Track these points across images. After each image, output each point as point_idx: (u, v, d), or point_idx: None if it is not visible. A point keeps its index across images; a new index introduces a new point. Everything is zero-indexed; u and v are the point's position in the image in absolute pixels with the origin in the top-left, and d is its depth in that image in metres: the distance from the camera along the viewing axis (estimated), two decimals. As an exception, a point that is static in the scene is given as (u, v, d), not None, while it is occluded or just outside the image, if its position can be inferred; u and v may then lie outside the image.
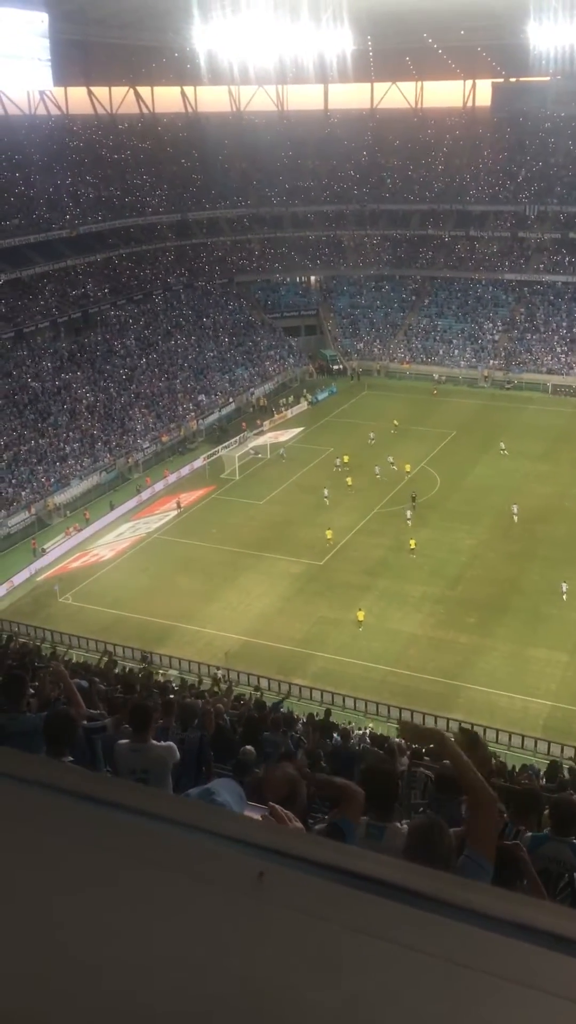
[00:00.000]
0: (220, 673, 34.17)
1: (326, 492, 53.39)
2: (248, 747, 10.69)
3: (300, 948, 1.34)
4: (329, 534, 47.99)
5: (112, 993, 1.33)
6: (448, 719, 32.10)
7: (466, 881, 1.45)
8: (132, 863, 1.51)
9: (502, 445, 59.37)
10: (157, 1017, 1.27)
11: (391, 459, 57.23)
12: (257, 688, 32.43)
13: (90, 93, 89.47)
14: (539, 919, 1.33)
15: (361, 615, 40.51)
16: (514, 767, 20.84)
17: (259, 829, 1.80)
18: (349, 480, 54.73)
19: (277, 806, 3.93)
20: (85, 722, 8.02)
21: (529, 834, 7.18)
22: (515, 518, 48.94)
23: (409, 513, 50.05)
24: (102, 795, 1.64)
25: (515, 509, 49.37)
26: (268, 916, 1.38)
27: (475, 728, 31.24)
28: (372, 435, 62.37)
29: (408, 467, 56.38)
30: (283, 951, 1.34)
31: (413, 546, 46.68)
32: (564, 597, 40.93)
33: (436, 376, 76.36)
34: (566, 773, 19.55)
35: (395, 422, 65.16)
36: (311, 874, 1.44)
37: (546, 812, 9.86)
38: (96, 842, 1.55)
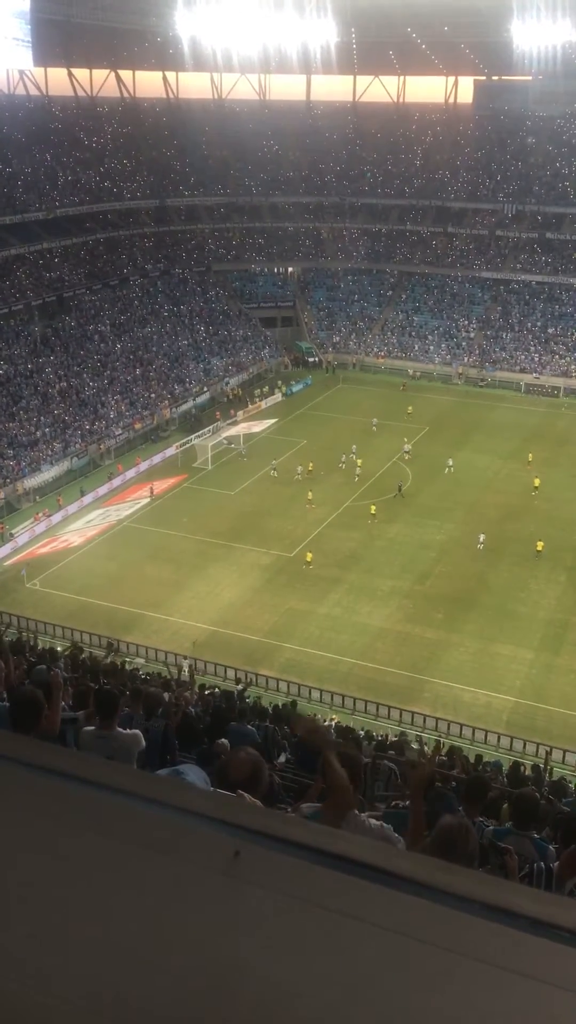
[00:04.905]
0: (187, 663, 34.03)
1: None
2: (223, 740, 10.67)
3: (275, 927, 1.32)
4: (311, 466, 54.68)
5: (81, 974, 1.30)
6: (413, 712, 32.43)
7: (447, 864, 1.44)
8: (104, 840, 1.48)
9: (343, 456, 56.70)
10: (128, 997, 1.25)
11: (354, 449, 57.56)
12: (239, 681, 32.03)
13: (71, 75, 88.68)
14: (518, 903, 1.32)
15: (373, 509, 48.75)
16: (479, 757, 21.07)
17: (236, 808, 1.78)
18: (310, 465, 55.57)
19: (244, 793, 3.91)
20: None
21: (491, 828, 7.28)
22: (400, 493, 51.87)
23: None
24: (75, 771, 1.61)
25: (400, 485, 52.58)
26: (244, 895, 1.36)
27: (439, 722, 31.70)
28: (375, 420, 63.48)
29: (360, 462, 55.86)
30: (258, 930, 1.32)
31: (311, 498, 50.50)
32: (480, 547, 45.13)
33: (410, 372, 76.55)
34: (528, 771, 19.78)
35: (408, 415, 65.99)
36: (288, 854, 1.43)
37: (505, 807, 10.00)
38: (68, 819, 1.52)
